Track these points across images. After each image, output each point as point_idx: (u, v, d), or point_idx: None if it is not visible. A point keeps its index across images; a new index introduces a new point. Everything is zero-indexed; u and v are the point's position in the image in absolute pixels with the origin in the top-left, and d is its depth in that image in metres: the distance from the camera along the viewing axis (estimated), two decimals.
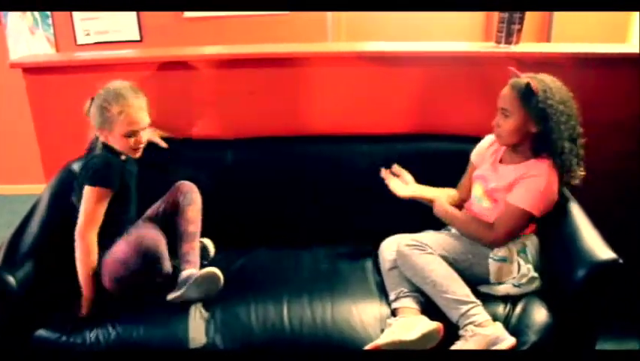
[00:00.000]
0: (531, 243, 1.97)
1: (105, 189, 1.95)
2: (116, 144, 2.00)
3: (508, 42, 2.43)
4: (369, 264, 2.17)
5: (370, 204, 2.16)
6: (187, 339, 1.84)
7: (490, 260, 1.92)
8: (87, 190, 1.94)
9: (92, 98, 1.99)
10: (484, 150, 2.16)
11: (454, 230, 2.08)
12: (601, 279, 1.75)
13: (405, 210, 2.15)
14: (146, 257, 1.91)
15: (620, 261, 1.73)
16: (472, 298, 1.84)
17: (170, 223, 2.10)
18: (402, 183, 2.12)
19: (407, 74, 2.47)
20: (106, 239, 1.97)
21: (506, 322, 1.84)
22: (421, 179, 2.22)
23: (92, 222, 1.94)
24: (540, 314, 1.83)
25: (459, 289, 1.85)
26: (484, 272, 1.93)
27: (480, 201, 2.06)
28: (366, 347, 1.78)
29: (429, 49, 2.57)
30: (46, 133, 2.58)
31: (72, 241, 1.95)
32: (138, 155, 2.06)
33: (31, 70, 2.52)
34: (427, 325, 1.79)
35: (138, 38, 4.02)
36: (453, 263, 1.91)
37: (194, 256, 2.06)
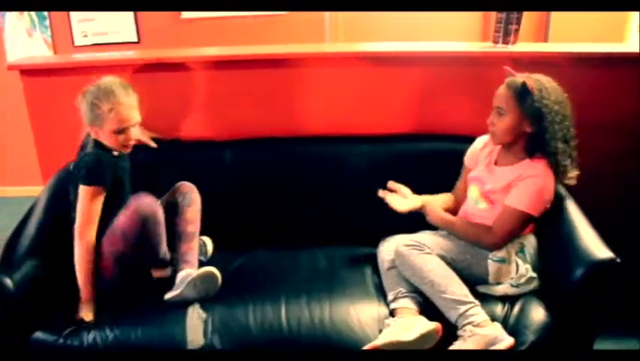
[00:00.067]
0: (529, 243, 1.97)
1: (98, 187, 1.95)
2: (106, 140, 1.99)
3: (505, 42, 2.43)
4: (367, 264, 2.17)
5: (368, 205, 2.15)
6: (185, 341, 1.84)
7: (489, 261, 1.92)
8: (81, 189, 1.95)
9: (83, 93, 1.99)
10: (477, 152, 2.16)
11: None
12: (599, 278, 1.75)
13: None
14: (144, 223, 1.92)
15: (618, 260, 1.73)
16: (471, 298, 1.84)
17: (170, 223, 2.10)
18: (400, 198, 2.10)
19: (405, 75, 2.47)
20: (102, 235, 1.97)
21: (505, 322, 1.83)
22: (419, 179, 2.22)
23: (89, 220, 1.94)
24: (538, 314, 1.83)
25: (457, 289, 1.84)
26: (482, 272, 1.93)
27: (476, 203, 2.06)
28: (365, 348, 1.78)
29: (427, 49, 2.57)
30: (44, 135, 2.57)
31: (69, 242, 1.95)
32: (128, 151, 2.06)
33: (29, 72, 2.51)
34: (425, 325, 1.79)
35: (136, 40, 4.02)
36: (451, 263, 1.91)
37: (193, 257, 2.06)
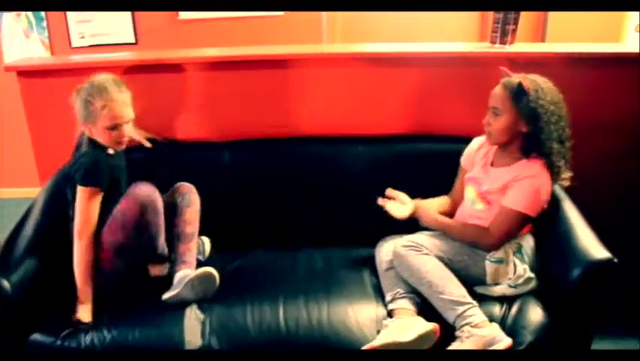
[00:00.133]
0: (527, 243, 1.97)
1: (95, 188, 1.96)
2: (100, 137, 1.99)
3: (503, 42, 2.43)
4: (365, 265, 2.17)
5: (367, 206, 2.15)
6: (183, 341, 1.84)
7: (486, 262, 1.92)
8: (79, 190, 1.95)
9: (77, 91, 1.99)
10: (473, 153, 2.16)
11: None
12: (596, 278, 1.75)
13: None
14: (144, 211, 1.92)
15: (615, 260, 1.73)
16: (469, 299, 1.84)
17: (168, 224, 2.10)
18: (399, 205, 2.10)
19: (403, 75, 2.47)
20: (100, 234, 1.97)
21: (502, 322, 1.83)
22: (417, 180, 2.22)
23: (87, 221, 1.94)
24: (536, 314, 1.83)
25: (455, 289, 1.84)
26: (480, 273, 1.93)
27: (473, 204, 2.06)
28: (363, 348, 1.78)
29: (424, 49, 2.57)
30: (41, 136, 2.57)
31: (67, 244, 1.95)
32: (122, 147, 2.06)
33: (26, 73, 2.51)
34: (423, 326, 1.79)
35: (133, 41, 4.02)
36: (449, 264, 1.91)
37: (191, 257, 2.06)
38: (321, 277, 2.10)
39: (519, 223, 1.94)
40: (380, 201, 2.09)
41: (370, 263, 2.15)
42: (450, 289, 1.84)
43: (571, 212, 1.98)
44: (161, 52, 2.89)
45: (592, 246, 1.79)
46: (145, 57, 2.66)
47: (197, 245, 2.14)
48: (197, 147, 2.50)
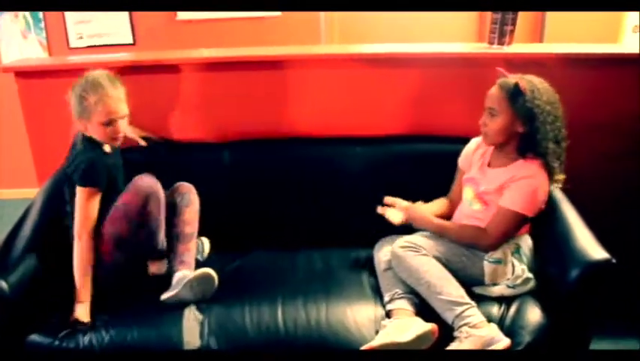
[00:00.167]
0: (525, 244, 1.97)
1: (94, 188, 1.96)
2: (95, 133, 1.99)
3: (500, 43, 2.44)
4: (364, 266, 2.17)
5: (365, 206, 2.15)
6: (181, 342, 1.84)
7: (484, 262, 1.92)
8: (78, 190, 1.96)
9: (72, 87, 1.98)
10: (470, 154, 2.16)
11: None
12: (594, 279, 1.75)
13: None
14: (146, 202, 1.93)
15: (613, 261, 1.73)
16: (467, 299, 1.84)
17: (168, 224, 2.10)
18: (397, 211, 2.11)
19: (401, 76, 2.48)
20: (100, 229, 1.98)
21: (501, 323, 1.84)
22: (415, 180, 2.23)
23: (86, 221, 1.95)
24: (534, 315, 1.83)
25: (454, 290, 1.85)
26: (478, 273, 1.93)
27: (471, 204, 2.06)
28: (361, 349, 1.78)
29: (422, 50, 2.57)
30: (39, 137, 2.57)
31: (65, 245, 1.96)
32: (118, 143, 2.06)
33: (24, 74, 2.51)
34: (421, 326, 1.79)
35: (131, 41, 4.01)
36: (447, 264, 1.91)
37: (190, 258, 2.07)
38: (320, 278, 2.10)
39: (516, 224, 1.94)
40: (380, 210, 2.10)
41: (369, 264, 2.15)
42: (448, 289, 1.84)
43: (569, 212, 1.98)
44: (159, 52, 2.89)
45: (590, 246, 1.79)
46: (143, 58, 2.66)
47: (196, 245, 2.15)
48: (196, 147, 2.50)
